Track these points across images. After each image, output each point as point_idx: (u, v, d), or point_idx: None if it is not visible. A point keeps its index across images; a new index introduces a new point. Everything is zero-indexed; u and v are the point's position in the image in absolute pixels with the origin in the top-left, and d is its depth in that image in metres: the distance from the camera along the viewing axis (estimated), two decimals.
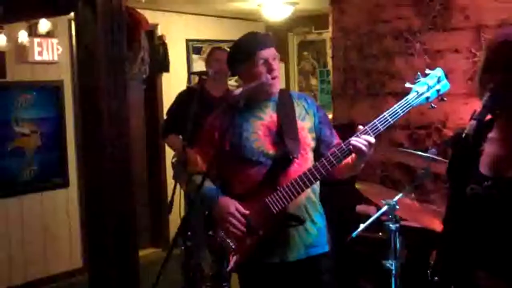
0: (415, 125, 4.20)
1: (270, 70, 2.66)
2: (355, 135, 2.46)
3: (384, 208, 3.00)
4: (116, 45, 3.48)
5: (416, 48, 4.22)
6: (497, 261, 1.80)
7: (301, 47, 7.47)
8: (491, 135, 1.91)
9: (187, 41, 6.59)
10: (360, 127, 2.47)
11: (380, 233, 3.59)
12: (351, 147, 2.43)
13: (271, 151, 2.64)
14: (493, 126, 1.92)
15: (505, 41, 1.80)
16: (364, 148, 2.42)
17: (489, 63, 1.84)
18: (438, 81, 2.45)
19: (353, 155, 2.49)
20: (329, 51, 5.82)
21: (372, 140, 2.43)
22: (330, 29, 4.74)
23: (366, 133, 2.44)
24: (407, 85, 2.46)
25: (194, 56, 6.64)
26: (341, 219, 3.69)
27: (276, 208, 2.54)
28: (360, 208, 4.01)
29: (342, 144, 2.49)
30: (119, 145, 3.46)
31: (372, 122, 2.45)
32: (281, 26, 6.92)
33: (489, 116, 1.90)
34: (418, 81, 2.45)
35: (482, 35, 3.87)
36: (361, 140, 2.42)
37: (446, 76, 2.50)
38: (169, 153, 6.31)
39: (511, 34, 1.81)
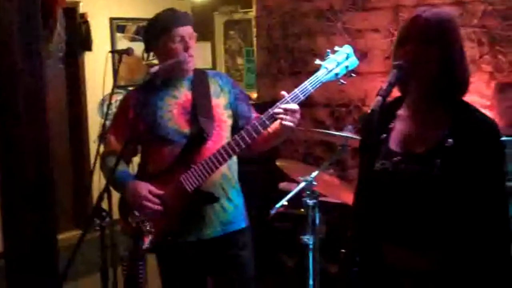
0: (336, 103, 4.28)
1: (186, 48, 2.64)
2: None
3: (302, 184, 3.04)
4: (31, 22, 3.38)
5: (337, 27, 4.28)
6: (401, 232, 1.86)
7: (227, 26, 7.43)
8: (400, 112, 1.96)
9: (111, 19, 6.46)
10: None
11: (302, 209, 3.65)
12: (271, 113, 2.43)
13: (185, 129, 2.62)
14: (402, 104, 1.97)
15: (417, 15, 1.84)
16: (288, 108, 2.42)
17: (400, 38, 1.88)
18: (347, 58, 2.50)
19: (277, 124, 2.49)
20: (254, 30, 5.82)
21: (295, 107, 2.44)
22: (254, 8, 4.75)
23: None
24: (317, 62, 2.49)
25: (118, 35, 6.51)
26: (264, 197, 3.73)
27: (191, 187, 2.52)
28: (282, 185, 4.06)
29: (262, 116, 2.48)
30: (36, 122, 3.38)
31: (283, 99, 2.46)
32: (206, 5, 6.86)
33: (398, 94, 1.95)
34: (328, 58, 2.49)
35: (399, 15, 3.96)
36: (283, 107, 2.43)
37: (355, 53, 2.55)
38: (92, 133, 6.24)
39: (425, 10, 1.85)
